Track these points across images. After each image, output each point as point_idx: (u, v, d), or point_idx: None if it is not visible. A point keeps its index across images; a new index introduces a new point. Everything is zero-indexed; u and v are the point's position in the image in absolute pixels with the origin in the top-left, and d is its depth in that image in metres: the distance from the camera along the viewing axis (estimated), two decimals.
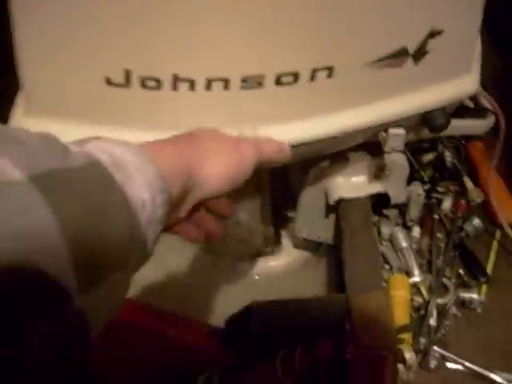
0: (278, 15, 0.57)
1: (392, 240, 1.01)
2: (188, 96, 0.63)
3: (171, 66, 0.60)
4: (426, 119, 0.73)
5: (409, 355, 0.83)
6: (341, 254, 0.83)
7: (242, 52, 0.59)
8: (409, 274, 0.98)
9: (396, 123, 0.72)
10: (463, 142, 1.23)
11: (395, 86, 0.68)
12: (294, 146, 0.67)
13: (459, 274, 1.02)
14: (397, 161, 0.86)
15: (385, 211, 1.00)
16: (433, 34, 0.65)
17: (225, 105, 0.64)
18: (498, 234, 1.09)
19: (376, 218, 1.01)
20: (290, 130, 0.66)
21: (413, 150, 1.13)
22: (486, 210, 1.13)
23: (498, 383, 0.91)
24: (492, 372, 0.91)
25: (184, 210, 0.43)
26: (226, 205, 0.52)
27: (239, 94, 0.62)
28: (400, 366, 0.81)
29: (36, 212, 0.26)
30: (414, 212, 1.02)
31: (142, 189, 0.33)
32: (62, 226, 0.26)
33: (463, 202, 1.11)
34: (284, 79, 0.62)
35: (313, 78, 0.62)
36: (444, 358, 0.92)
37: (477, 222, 1.07)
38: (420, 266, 0.99)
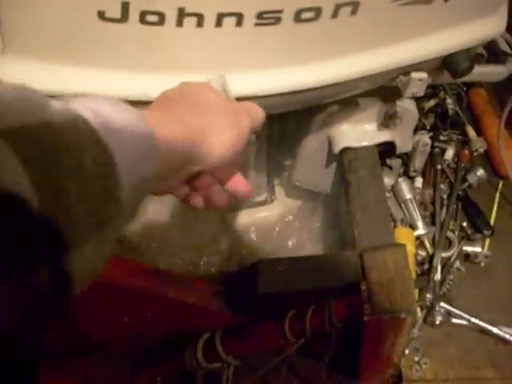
0: None
1: (395, 191, 0.97)
2: (194, 33, 0.55)
3: None
4: (448, 62, 0.67)
5: None
6: (347, 206, 0.79)
7: None
8: (412, 226, 0.94)
9: (418, 66, 0.66)
10: (465, 88, 1.18)
11: (422, 25, 0.62)
12: (311, 90, 0.61)
13: (462, 227, 0.99)
14: (408, 108, 0.81)
15: (388, 161, 0.95)
16: None
17: (236, 44, 0.57)
18: (500, 185, 1.06)
19: None
20: (308, 72, 0.59)
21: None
22: (488, 161, 1.09)
23: (500, 338, 0.89)
24: (495, 327, 0.90)
25: (181, 177, 0.44)
26: (242, 183, 0.50)
27: (252, 32, 0.55)
28: None
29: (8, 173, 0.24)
30: (419, 162, 0.97)
31: (129, 147, 0.32)
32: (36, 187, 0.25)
33: (466, 151, 1.06)
34: (304, 15, 0.55)
35: (335, 14, 0.56)
36: (449, 314, 0.89)
37: (481, 172, 1.03)
38: (423, 219, 0.96)
